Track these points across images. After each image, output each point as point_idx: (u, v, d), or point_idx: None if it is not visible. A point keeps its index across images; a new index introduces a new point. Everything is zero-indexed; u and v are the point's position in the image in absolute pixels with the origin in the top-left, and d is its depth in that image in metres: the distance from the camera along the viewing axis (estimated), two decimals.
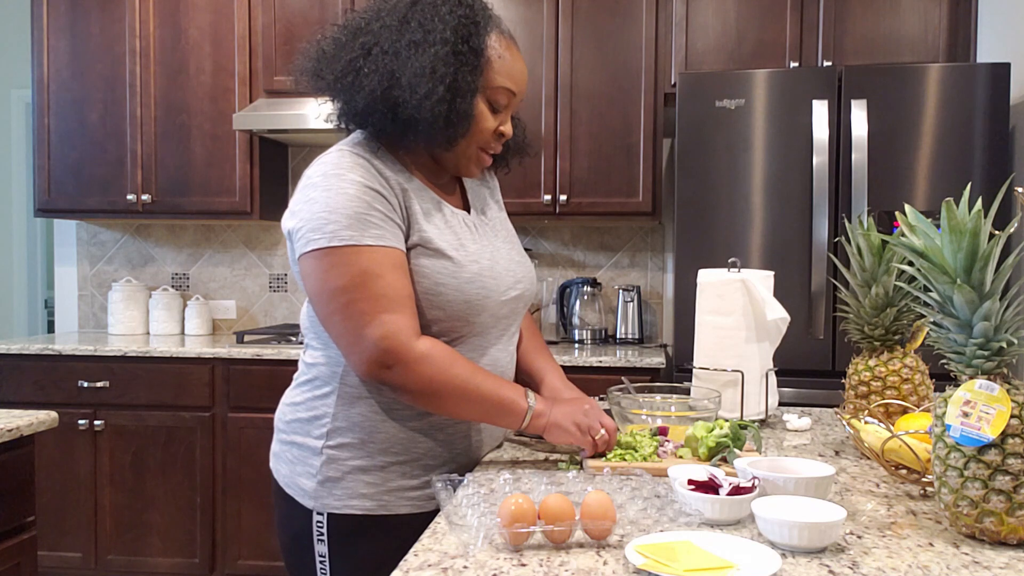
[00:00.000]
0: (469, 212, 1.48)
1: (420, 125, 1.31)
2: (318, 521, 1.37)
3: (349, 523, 1.37)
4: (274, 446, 1.48)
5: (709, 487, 1.12)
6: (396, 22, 1.33)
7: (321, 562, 1.38)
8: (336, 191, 1.29)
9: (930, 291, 1.07)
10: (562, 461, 1.41)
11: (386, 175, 1.34)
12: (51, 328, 5.67)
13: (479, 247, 1.42)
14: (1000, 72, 2.73)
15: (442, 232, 1.37)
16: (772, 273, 1.79)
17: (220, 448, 3.30)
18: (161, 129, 3.61)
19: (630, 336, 3.64)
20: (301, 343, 3.35)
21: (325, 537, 1.37)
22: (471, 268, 1.37)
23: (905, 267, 1.13)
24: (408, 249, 1.34)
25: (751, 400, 1.71)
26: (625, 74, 3.39)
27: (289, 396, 1.47)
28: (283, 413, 1.47)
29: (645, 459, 1.36)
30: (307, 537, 1.39)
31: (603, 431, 1.36)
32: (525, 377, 1.63)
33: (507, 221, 1.59)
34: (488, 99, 1.38)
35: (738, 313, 1.72)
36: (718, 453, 1.35)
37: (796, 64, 3.19)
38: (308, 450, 1.39)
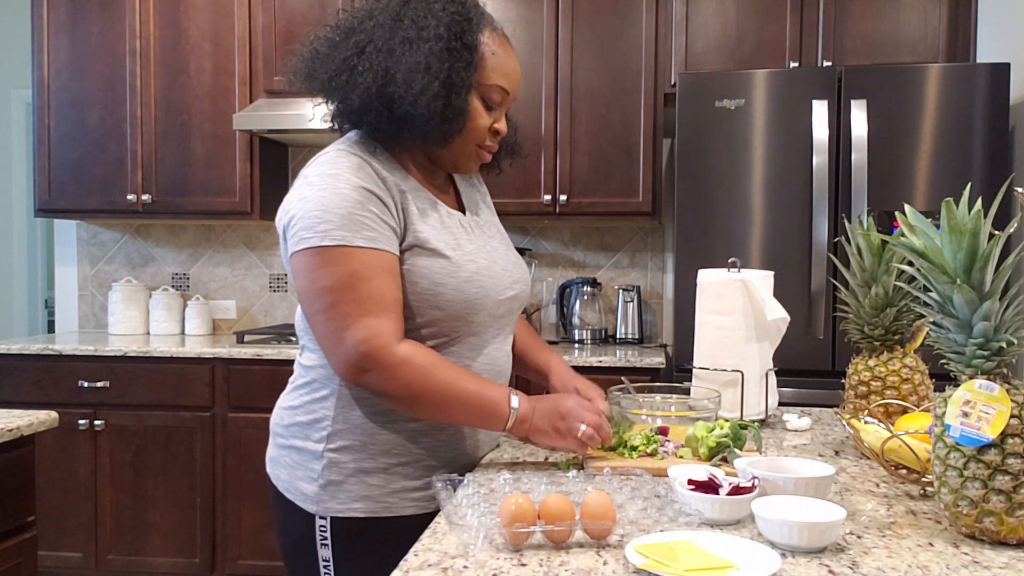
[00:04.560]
0: (464, 213, 1.49)
1: (416, 121, 1.31)
2: (321, 525, 1.36)
3: (353, 526, 1.36)
4: (271, 451, 1.47)
5: (709, 487, 1.12)
6: (389, 20, 1.34)
7: (325, 566, 1.37)
8: (331, 191, 1.29)
9: (930, 291, 1.07)
10: (562, 461, 1.41)
11: (383, 176, 1.34)
12: (51, 328, 5.67)
13: (475, 247, 1.42)
14: (1000, 72, 2.74)
15: (438, 232, 1.37)
16: (772, 273, 1.79)
17: (220, 448, 3.30)
18: (161, 129, 3.61)
19: (630, 336, 3.64)
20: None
21: (329, 541, 1.36)
22: (469, 267, 1.37)
23: (905, 267, 1.13)
24: (404, 250, 1.33)
25: (751, 400, 1.72)
26: (625, 74, 3.39)
27: (286, 400, 1.45)
28: (280, 417, 1.45)
29: (644, 446, 1.38)
30: (310, 542, 1.37)
31: (583, 427, 1.32)
32: (533, 372, 1.65)
33: (500, 224, 1.60)
34: (482, 96, 1.38)
35: (738, 313, 1.72)
36: (718, 453, 1.35)
37: (796, 64, 3.20)
38: (308, 454, 1.38)
